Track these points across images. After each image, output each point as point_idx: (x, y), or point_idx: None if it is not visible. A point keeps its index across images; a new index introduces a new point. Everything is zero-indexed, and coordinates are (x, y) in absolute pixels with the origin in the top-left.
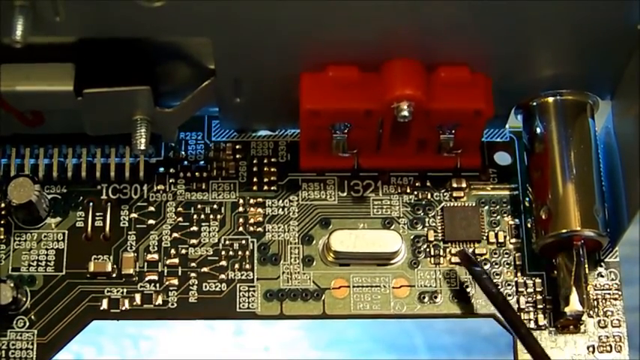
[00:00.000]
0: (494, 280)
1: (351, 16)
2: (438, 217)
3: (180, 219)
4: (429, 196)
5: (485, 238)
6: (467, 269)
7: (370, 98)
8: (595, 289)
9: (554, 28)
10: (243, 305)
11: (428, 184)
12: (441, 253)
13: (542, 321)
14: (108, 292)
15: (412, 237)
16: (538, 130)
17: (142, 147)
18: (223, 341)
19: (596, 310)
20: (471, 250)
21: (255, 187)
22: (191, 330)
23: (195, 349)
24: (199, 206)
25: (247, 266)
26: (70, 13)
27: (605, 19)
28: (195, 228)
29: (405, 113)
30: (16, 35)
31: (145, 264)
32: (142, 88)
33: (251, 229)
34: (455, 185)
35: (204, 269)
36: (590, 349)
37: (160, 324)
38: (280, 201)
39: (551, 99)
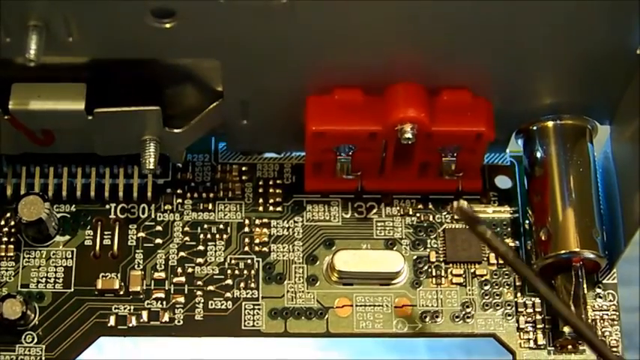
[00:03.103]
0: (495, 301)
1: (356, 42)
2: (440, 239)
3: (187, 238)
4: (430, 218)
5: (486, 259)
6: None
7: (374, 121)
8: (593, 310)
9: (554, 54)
10: (248, 323)
11: (430, 206)
12: (443, 274)
13: (541, 340)
14: (115, 309)
15: (414, 258)
16: (538, 154)
17: (151, 166)
18: (223, 341)
19: (594, 330)
20: (472, 272)
21: (260, 208)
22: None
23: (196, 349)
24: (206, 226)
25: (252, 285)
26: (82, 33)
27: (604, 45)
28: (201, 247)
29: (409, 135)
30: (29, 54)
31: (152, 282)
32: (152, 109)
33: (256, 248)
34: None
35: (210, 287)
36: None
37: None
38: (285, 222)
39: (551, 123)
